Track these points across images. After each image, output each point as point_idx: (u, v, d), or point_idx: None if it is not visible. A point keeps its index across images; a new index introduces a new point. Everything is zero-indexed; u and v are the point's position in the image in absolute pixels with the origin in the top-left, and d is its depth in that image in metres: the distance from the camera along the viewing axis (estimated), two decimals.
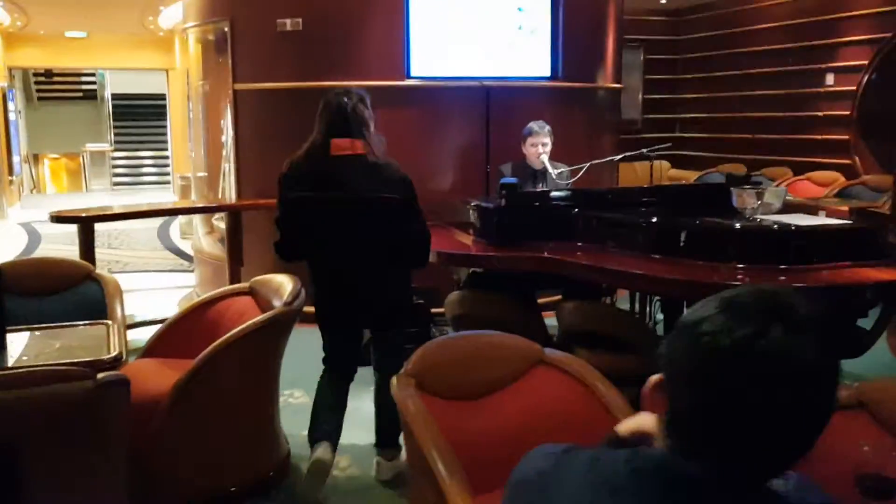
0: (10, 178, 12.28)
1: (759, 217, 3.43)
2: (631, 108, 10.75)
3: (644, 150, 5.02)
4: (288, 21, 5.42)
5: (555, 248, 3.56)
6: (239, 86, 5.74)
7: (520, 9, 5.68)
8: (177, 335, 3.57)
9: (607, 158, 4.96)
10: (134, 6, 8.81)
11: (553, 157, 4.98)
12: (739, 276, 3.06)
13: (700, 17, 10.55)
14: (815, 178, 8.82)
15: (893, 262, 3.22)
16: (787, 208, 3.61)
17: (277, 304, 3.28)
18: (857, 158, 8.48)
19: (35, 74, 16.52)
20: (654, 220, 3.42)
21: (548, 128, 4.99)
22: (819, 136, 8.94)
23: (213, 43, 6.05)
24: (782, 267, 3.13)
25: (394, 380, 2.36)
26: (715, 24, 10.26)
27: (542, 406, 2.50)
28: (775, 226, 3.27)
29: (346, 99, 3.29)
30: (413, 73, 5.47)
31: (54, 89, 17.44)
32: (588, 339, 3.51)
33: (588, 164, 4.87)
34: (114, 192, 16.11)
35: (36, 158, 17.54)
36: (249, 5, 5.63)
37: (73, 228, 5.33)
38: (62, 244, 9.70)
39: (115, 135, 16.70)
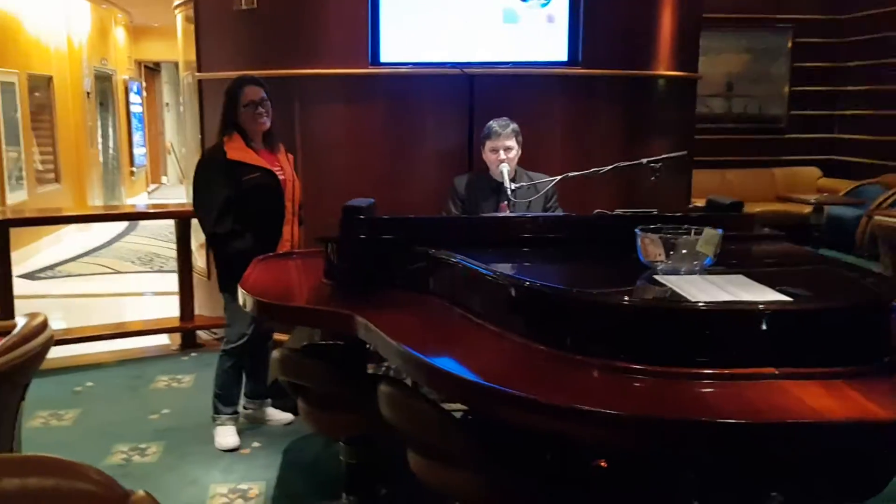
0: (131, 169, 12.55)
1: (665, 278, 2.12)
2: (773, 102, 8.98)
3: (644, 160, 3.68)
4: None
5: (371, 302, 2.45)
6: (203, 74, 5.00)
7: None
8: None
9: (592, 170, 3.67)
10: None
11: (573, 165, 3.74)
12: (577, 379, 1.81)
13: None
14: None
15: (875, 371, 1.83)
16: (759, 260, 2.26)
17: None
18: None
19: None
20: (493, 276, 2.22)
21: (513, 126, 3.81)
22: None
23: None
24: (661, 369, 1.84)
25: None
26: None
27: None
28: (662, 300, 1.97)
29: None
30: (383, 58, 4.44)
31: None
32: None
33: (560, 178, 3.64)
34: None
35: None
36: None
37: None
38: (148, 237, 9.61)
39: None
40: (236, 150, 3.52)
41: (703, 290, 1.97)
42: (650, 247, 2.18)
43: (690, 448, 1.81)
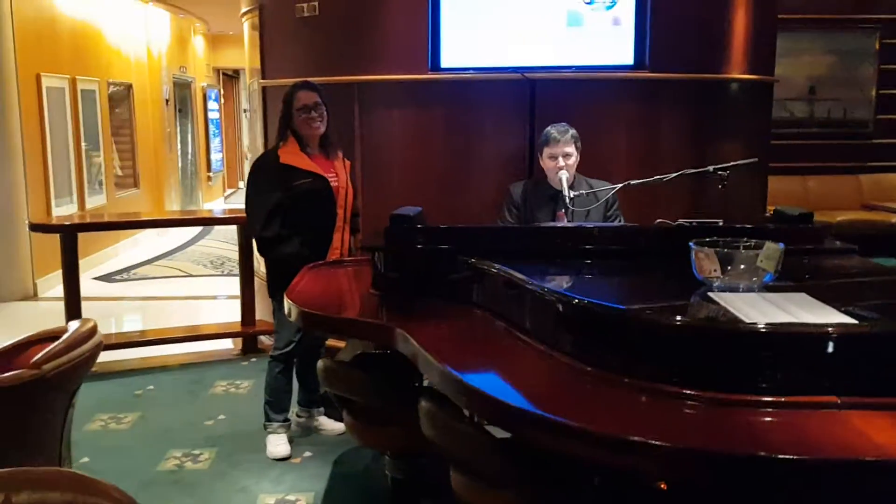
0: (208, 174, 12.83)
1: (720, 296, 1.98)
2: (859, 106, 8.57)
3: (711, 168, 3.51)
4: (305, 5, 4.60)
5: (414, 313, 2.39)
6: (266, 81, 5.04)
7: None
8: None
9: (655, 178, 3.52)
10: None
11: (639, 173, 3.58)
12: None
13: None
14: None
15: None
16: (827, 277, 2.10)
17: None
18: None
19: None
20: (539, 290, 2.11)
21: (572, 132, 3.70)
22: None
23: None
24: (713, 395, 1.72)
25: None
26: None
27: None
28: (713, 321, 1.84)
29: None
30: (444, 63, 4.38)
31: None
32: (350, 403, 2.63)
33: (620, 186, 3.53)
34: None
35: None
36: None
37: None
38: (221, 241, 9.78)
39: None
40: (289, 155, 3.51)
41: (760, 309, 1.83)
42: (704, 262, 2.05)
43: (742, 483, 1.68)
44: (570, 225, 3.15)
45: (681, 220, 3.12)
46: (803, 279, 2.17)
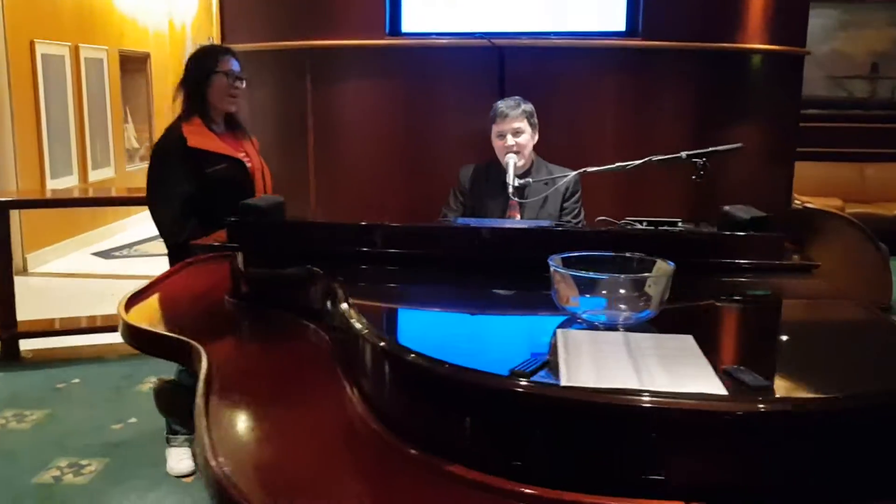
0: None
1: (565, 335, 1.43)
2: None
3: (683, 154, 2.90)
4: None
5: (240, 330, 1.90)
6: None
7: None
8: None
9: (617, 165, 2.92)
10: None
11: (630, 159, 3.00)
12: None
13: None
14: None
15: None
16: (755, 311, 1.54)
17: None
18: None
19: None
20: (343, 313, 1.59)
21: (524, 107, 3.15)
22: None
23: None
24: (542, 495, 1.19)
25: None
26: None
27: None
28: (514, 379, 1.28)
29: None
30: (406, 27, 3.85)
31: None
32: None
33: (576, 173, 2.95)
34: None
35: None
36: None
37: None
38: None
39: None
40: (196, 136, 3.02)
41: (601, 363, 1.27)
42: (561, 285, 1.49)
43: None
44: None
45: (627, 219, 2.55)
46: (707, 312, 1.59)
